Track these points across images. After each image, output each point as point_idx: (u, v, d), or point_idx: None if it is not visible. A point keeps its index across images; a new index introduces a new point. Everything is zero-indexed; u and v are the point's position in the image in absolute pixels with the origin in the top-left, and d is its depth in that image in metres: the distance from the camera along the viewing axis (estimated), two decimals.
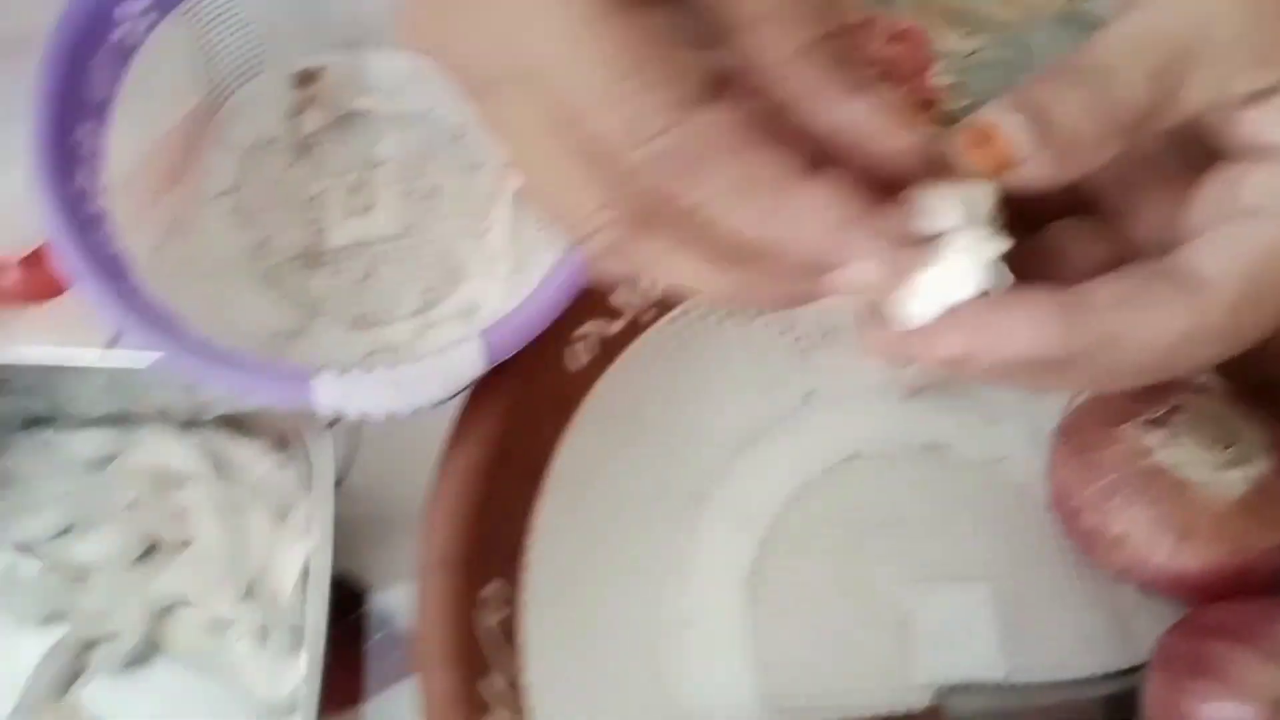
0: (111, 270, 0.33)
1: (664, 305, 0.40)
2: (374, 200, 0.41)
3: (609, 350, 0.39)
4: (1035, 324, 0.24)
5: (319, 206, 0.41)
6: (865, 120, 0.23)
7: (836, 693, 0.37)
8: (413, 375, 0.33)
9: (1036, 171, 0.24)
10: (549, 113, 0.22)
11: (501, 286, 0.41)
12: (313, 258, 0.41)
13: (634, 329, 0.40)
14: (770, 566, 0.39)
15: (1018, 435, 0.41)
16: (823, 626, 0.38)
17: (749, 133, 0.22)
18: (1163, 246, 0.25)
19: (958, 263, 0.24)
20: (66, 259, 0.32)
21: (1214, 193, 0.25)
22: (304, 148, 0.42)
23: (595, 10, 0.21)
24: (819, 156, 0.23)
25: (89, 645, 0.34)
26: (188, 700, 0.34)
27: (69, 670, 0.34)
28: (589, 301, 0.37)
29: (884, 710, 0.36)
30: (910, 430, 0.42)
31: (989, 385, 0.27)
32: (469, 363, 0.33)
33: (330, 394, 0.32)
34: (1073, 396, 0.41)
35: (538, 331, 0.34)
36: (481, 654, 0.32)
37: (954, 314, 0.24)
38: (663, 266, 0.24)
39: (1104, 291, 0.24)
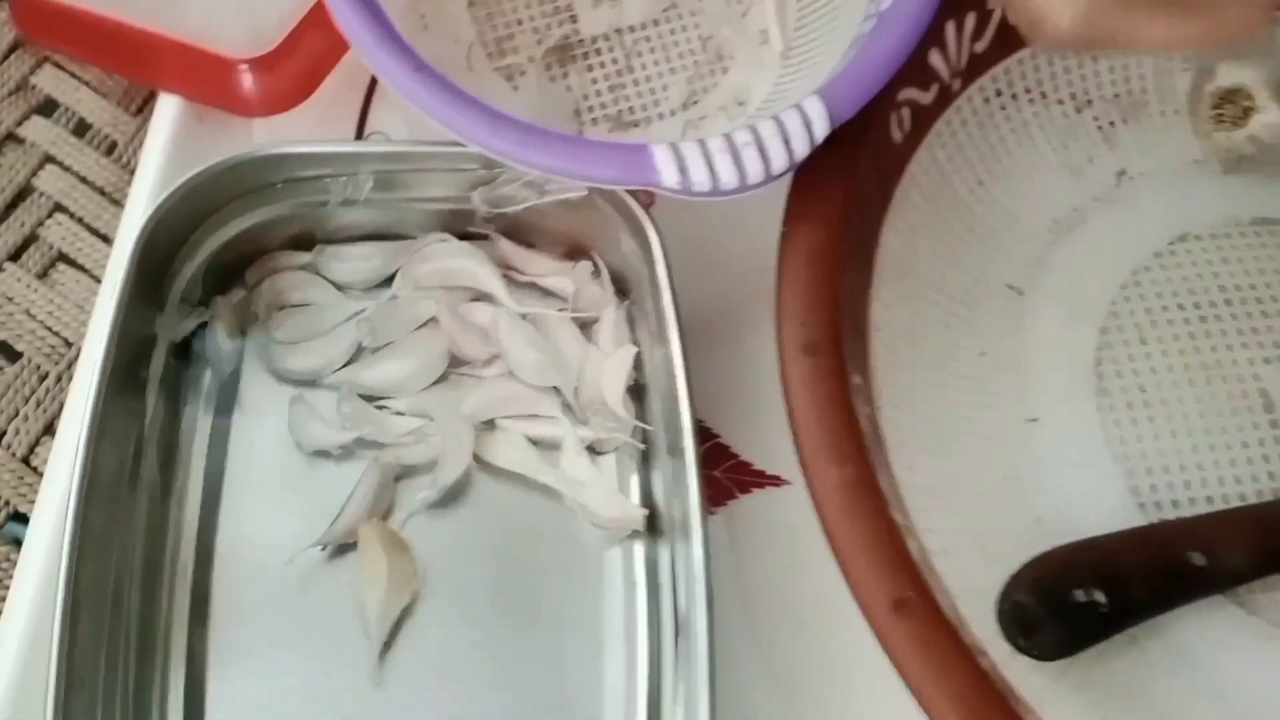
0: (396, 40, 0.29)
1: (970, 73, 0.36)
2: None
3: (921, 122, 0.35)
4: None
5: None
6: None
7: (1209, 483, 0.33)
8: (753, 140, 0.29)
9: None
10: None
11: (770, 74, 0.37)
12: (564, 50, 0.36)
13: (944, 98, 0.35)
14: (1113, 357, 0.35)
15: None
16: (1181, 416, 0.34)
17: None
18: None
19: None
20: (347, 19, 0.28)
21: None
22: None
23: None
24: None
25: (403, 473, 0.31)
26: (522, 525, 0.31)
27: (383, 503, 0.30)
28: (906, 66, 0.32)
29: (1265, 498, 0.32)
30: (1237, 205, 0.38)
31: None
32: (815, 121, 0.29)
33: (670, 167, 0.28)
34: None
35: (880, 86, 0.30)
36: (870, 439, 0.28)
37: None
38: (1142, 32, 0.26)
39: None
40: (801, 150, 0.29)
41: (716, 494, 0.33)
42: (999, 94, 0.37)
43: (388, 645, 0.29)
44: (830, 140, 0.30)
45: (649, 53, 0.37)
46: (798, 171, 0.31)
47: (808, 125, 0.29)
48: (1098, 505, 0.33)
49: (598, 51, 0.37)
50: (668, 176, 0.28)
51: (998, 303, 0.36)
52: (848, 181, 0.31)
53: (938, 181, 0.36)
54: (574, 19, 0.37)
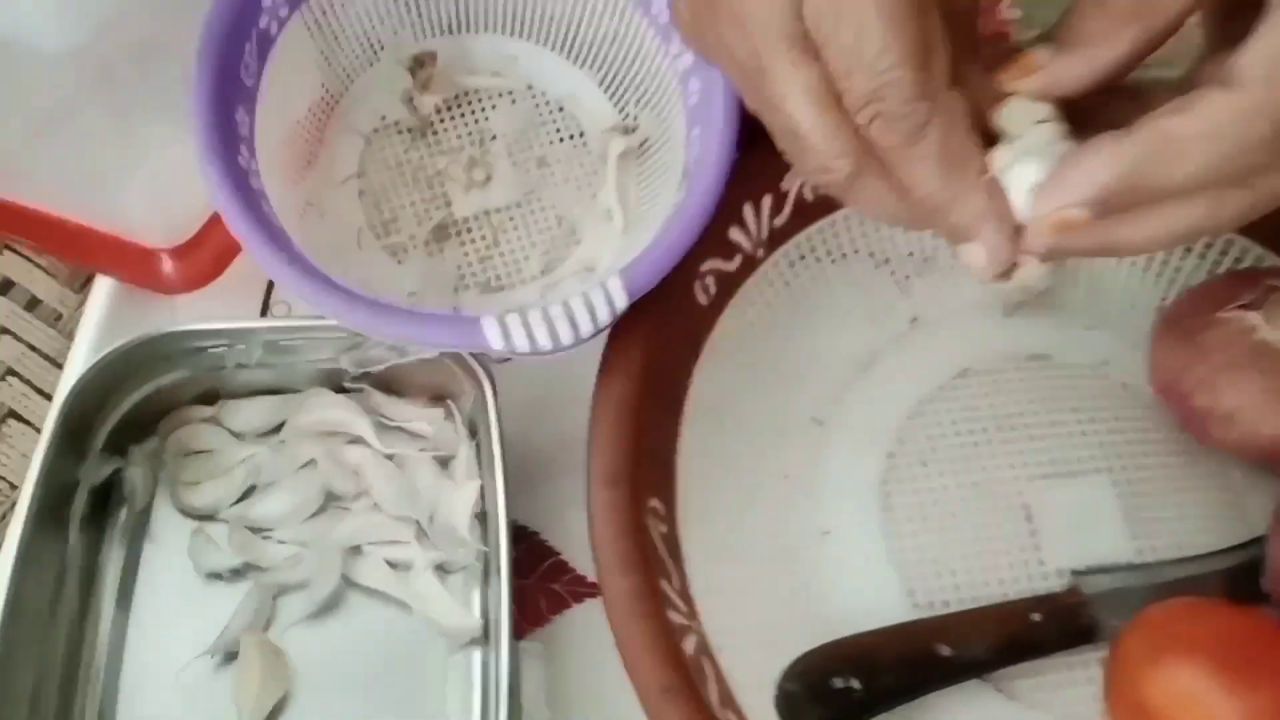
0: (280, 240, 0.36)
1: (771, 243, 0.43)
2: (491, 172, 0.44)
3: (727, 287, 0.41)
4: (1099, 154, 0.28)
5: (441, 183, 0.44)
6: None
7: (975, 585, 0.39)
8: (564, 313, 0.35)
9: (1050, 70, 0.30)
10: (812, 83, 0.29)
11: (614, 245, 0.44)
12: (442, 229, 0.44)
13: (749, 266, 0.42)
14: (898, 477, 0.41)
15: (1116, 340, 0.44)
16: (954, 528, 0.40)
17: (968, 119, 0.30)
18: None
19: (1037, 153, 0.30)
20: (239, 228, 0.35)
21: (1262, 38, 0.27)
22: (422, 128, 0.44)
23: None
24: None
25: (281, 591, 0.37)
26: (380, 634, 0.36)
27: (262, 617, 0.36)
28: (708, 241, 0.39)
29: (1023, 596, 0.38)
30: (1014, 343, 0.44)
31: (1109, 251, 0.30)
32: (615, 295, 0.36)
33: (495, 334, 0.35)
34: (1168, 295, 0.43)
35: (670, 266, 0.37)
36: (659, 556, 0.34)
37: (1041, 189, 0.29)
38: (867, 199, 0.31)
39: (1149, 116, 0.27)
40: (605, 318, 0.36)
41: (553, 603, 0.39)
42: (803, 257, 0.44)
43: None
44: (639, 306, 0.37)
45: (513, 229, 0.45)
46: (611, 334, 0.38)
47: (610, 300, 0.36)
48: (878, 607, 0.39)
49: (469, 229, 0.44)
50: (494, 341, 0.35)
51: (800, 432, 0.42)
52: (652, 341, 0.38)
53: (746, 333, 0.42)
54: (449, 203, 0.45)
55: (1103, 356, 0.44)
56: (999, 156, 0.30)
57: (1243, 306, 0.39)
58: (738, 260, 0.42)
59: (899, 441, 0.42)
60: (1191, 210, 0.28)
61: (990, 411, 0.43)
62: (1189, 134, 0.27)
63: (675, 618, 0.34)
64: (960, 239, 0.31)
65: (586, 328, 0.36)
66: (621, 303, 0.36)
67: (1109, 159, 0.28)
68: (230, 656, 0.36)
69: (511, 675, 0.32)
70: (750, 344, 0.42)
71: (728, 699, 0.34)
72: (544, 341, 0.35)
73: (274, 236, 0.36)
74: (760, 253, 0.43)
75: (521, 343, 0.35)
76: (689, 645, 0.33)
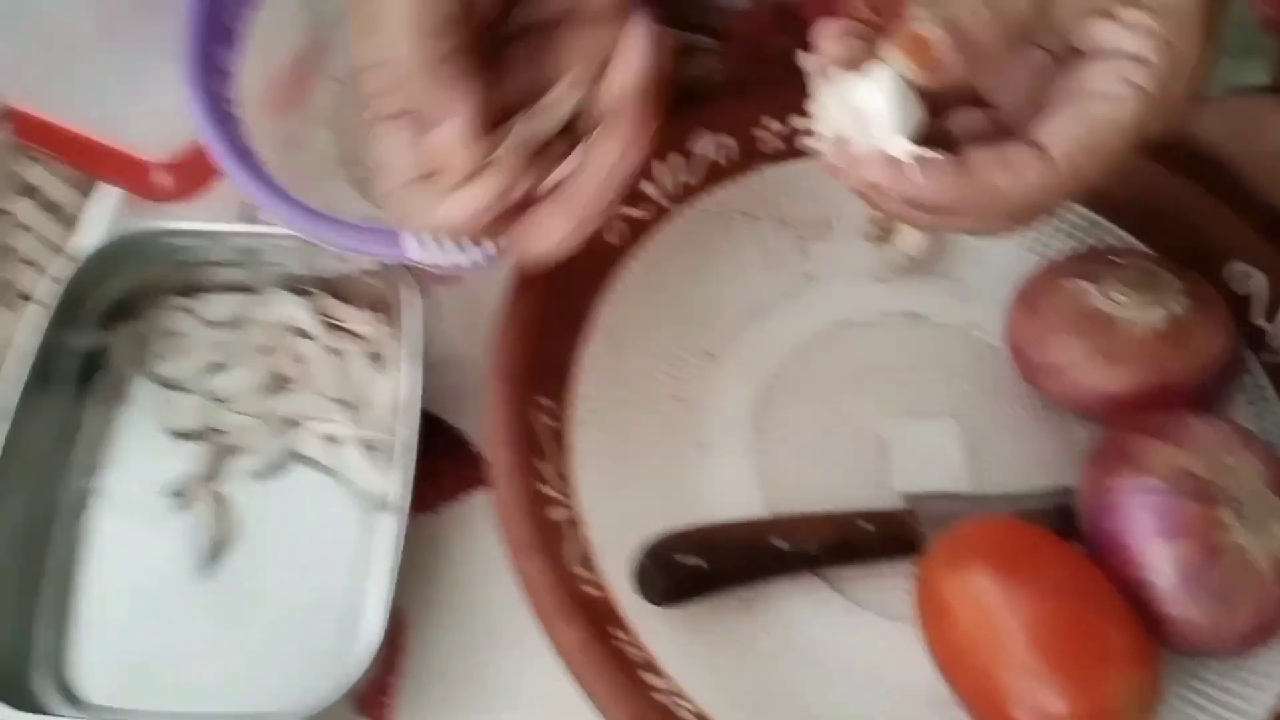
0: (248, 158, 0.43)
1: (683, 196, 0.49)
2: None
3: (636, 231, 0.48)
4: (935, 175, 0.34)
5: None
6: None
7: (829, 502, 0.45)
8: None
9: (955, 72, 0.33)
10: None
11: None
12: None
13: (660, 214, 0.48)
14: (773, 406, 0.47)
15: (988, 307, 0.49)
16: (816, 453, 0.46)
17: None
18: (1027, 123, 0.34)
19: (885, 125, 0.34)
20: (215, 146, 0.42)
21: (1065, 82, 0.34)
22: None
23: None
24: None
25: (233, 452, 0.44)
26: (312, 498, 0.43)
27: (213, 470, 0.43)
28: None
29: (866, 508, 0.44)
30: (894, 302, 0.50)
31: (905, 221, 0.36)
32: None
33: (412, 244, 0.41)
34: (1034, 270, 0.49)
35: None
36: (538, 440, 0.41)
37: (882, 158, 0.34)
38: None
39: (982, 157, 0.34)
40: None
41: (459, 487, 0.45)
42: (713, 213, 0.50)
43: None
44: None
45: None
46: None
47: None
48: (741, 513, 0.45)
49: None
50: (411, 251, 0.41)
51: (693, 363, 0.48)
52: (555, 269, 0.44)
53: (654, 272, 0.48)
54: None
55: (973, 320, 0.50)
56: (855, 85, 0.34)
57: (1082, 277, 0.45)
58: (649, 209, 0.48)
59: (777, 376, 0.48)
60: (965, 224, 0.35)
61: (862, 357, 0.49)
62: (1008, 192, 0.33)
63: (547, 490, 0.40)
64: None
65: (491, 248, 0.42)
66: None
67: (942, 184, 0.33)
68: (185, 502, 0.43)
69: (401, 534, 0.39)
70: (656, 283, 0.48)
71: (586, 561, 0.40)
72: (454, 255, 0.42)
73: (241, 153, 0.43)
74: (672, 205, 0.49)
75: (433, 254, 0.41)
76: (557, 515, 0.40)
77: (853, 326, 0.49)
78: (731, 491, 0.45)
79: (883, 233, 0.50)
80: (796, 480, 0.45)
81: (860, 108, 0.34)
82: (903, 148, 0.34)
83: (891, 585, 0.43)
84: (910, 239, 0.50)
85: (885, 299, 0.50)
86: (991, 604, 0.38)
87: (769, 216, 0.51)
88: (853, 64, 0.34)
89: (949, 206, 0.34)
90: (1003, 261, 0.50)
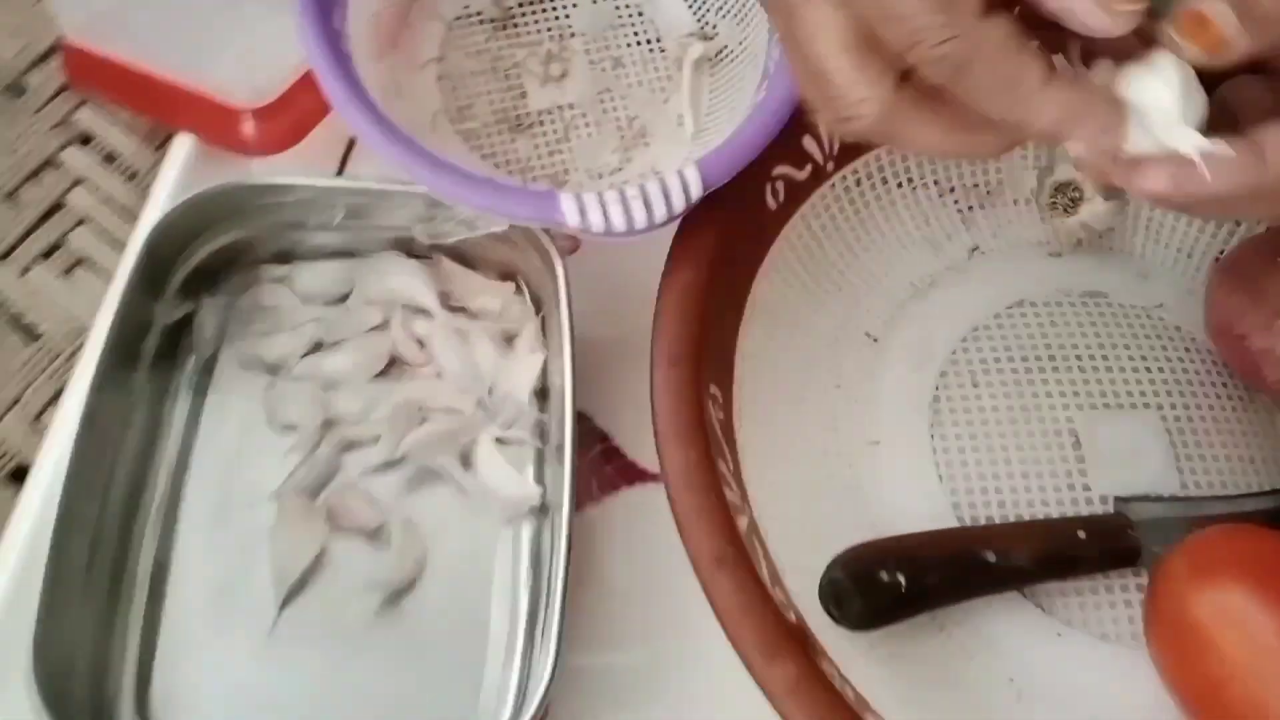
0: (366, 101, 0.36)
1: (841, 158, 0.43)
2: (568, 69, 0.45)
3: (796, 194, 0.42)
4: (1228, 169, 0.28)
5: (517, 74, 0.45)
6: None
7: (1019, 503, 0.39)
8: (640, 195, 0.36)
9: (1240, 50, 0.27)
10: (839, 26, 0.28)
11: (682, 151, 0.45)
12: (514, 121, 0.44)
13: (818, 176, 0.42)
14: (949, 396, 0.42)
15: (1171, 286, 0.44)
16: (1001, 448, 0.41)
17: (1011, 40, 0.27)
18: None
19: (1170, 119, 0.28)
20: (330, 83, 0.36)
21: None
22: (503, 20, 0.45)
23: None
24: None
25: (348, 446, 0.37)
26: (439, 500, 0.37)
27: (328, 468, 0.37)
28: (782, 145, 0.40)
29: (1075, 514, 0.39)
30: (1070, 280, 0.45)
31: (1189, 214, 0.31)
32: (691, 184, 0.36)
33: (572, 209, 0.35)
34: (1225, 248, 0.44)
35: (746, 161, 0.37)
36: (716, 438, 0.35)
37: (1165, 160, 0.28)
38: (910, 137, 0.30)
39: (1276, 137, 0.28)
40: (679, 205, 0.36)
41: (604, 484, 0.39)
42: (870, 178, 0.44)
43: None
44: (709, 202, 0.37)
45: (584, 126, 0.45)
46: (681, 225, 0.38)
47: (685, 187, 0.37)
48: (923, 516, 0.39)
49: (541, 123, 0.45)
50: (570, 218, 0.35)
51: (855, 347, 0.42)
52: (721, 235, 0.38)
53: (810, 244, 0.43)
54: (524, 95, 0.45)
55: (1157, 300, 0.44)
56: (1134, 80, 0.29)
57: None
58: (808, 169, 0.42)
59: (951, 362, 0.42)
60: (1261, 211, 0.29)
61: (1043, 341, 0.43)
62: None
63: (729, 495, 0.34)
64: (1053, 144, 0.31)
65: (660, 213, 0.36)
66: (696, 191, 0.37)
67: (1234, 179, 0.28)
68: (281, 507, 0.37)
69: (569, 547, 0.33)
70: (812, 255, 0.43)
71: (776, 578, 0.34)
72: (619, 222, 0.36)
73: (362, 96, 0.36)
74: (830, 166, 0.43)
75: (597, 221, 0.35)
76: (741, 523, 0.34)
77: (1028, 306, 0.44)
78: (911, 496, 0.39)
79: (1070, 202, 0.44)
80: (983, 479, 0.40)
81: (1139, 103, 0.29)
82: (1191, 141, 0.28)
83: (1104, 603, 0.38)
84: (1096, 209, 0.44)
85: (1062, 276, 0.45)
86: (1258, 628, 0.32)
87: (928, 180, 0.45)
88: (1126, 56, 0.29)
89: (1246, 197, 0.29)
90: (1182, 238, 0.45)
